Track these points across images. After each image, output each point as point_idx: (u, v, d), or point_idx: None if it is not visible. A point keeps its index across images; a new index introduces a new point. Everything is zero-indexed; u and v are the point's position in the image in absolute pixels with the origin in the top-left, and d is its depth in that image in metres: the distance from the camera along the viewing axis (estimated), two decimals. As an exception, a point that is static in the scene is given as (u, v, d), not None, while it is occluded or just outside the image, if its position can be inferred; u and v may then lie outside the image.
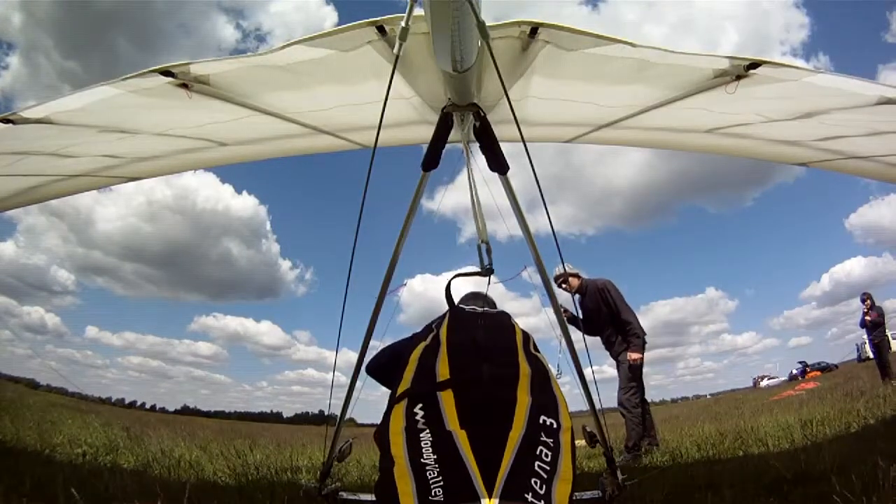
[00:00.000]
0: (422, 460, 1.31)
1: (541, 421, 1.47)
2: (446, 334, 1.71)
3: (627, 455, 4.68)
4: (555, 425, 1.48)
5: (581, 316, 5.22)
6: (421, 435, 1.38)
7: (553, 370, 1.78)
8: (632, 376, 4.89)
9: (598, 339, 5.26)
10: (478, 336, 1.73)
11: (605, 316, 5.12)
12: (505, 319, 1.92)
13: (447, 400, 1.46)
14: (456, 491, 1.24)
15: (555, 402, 1.58)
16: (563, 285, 5.24)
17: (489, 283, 2.28)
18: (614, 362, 5.25)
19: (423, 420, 1.42)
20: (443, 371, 1.55)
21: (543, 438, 1.43)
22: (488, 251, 2.25)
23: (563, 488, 1.33)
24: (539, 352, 1.80)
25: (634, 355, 4.87)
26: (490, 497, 1.23)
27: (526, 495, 1.25)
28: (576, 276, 5.31)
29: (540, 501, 1.26)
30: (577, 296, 5.30)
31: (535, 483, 1.30)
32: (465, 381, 1.53)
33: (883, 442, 3.24)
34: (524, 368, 1.62)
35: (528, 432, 1.42)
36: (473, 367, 1.58)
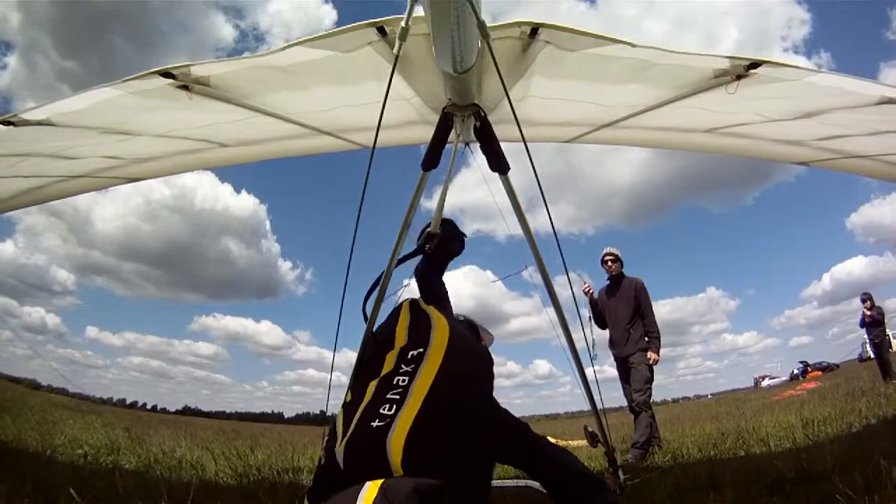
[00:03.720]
0: (324, 448, 1.50)
1: (408, 356, 1.61)
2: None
3: (636, 452, 4.70)
4: (421, 352, 1.61)
5: (601, 305, 5.44)
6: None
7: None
8: (649, 377, 4.97)
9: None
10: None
11: (629, 311, 5.19)
12: (395, 312, 2.05)
13: (347, 396, 1.67)
14: (329, 457, 1.40)
15: (427, 330, 1.74)
16: (611, 264, 5.42)
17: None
18: (614, 360, 5.29)
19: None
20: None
21: (403, 368, 1.56)
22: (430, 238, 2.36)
23: (418, 390, 1.44)
24: (437, 306, 1.99)
25: (656, 355, 5.00)
26: (341, 441, 1.38)
27: (372, 423, 1.37)
28: (622, 263, 5.47)
29: (385, 421, 1.36)
30: (607, 282, 5.50)
31: (384, 408, 1.41)
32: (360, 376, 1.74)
33: (885, 441, 3.23)
34: (402, 325, 1.82)
35: (391, 371, 1.57)
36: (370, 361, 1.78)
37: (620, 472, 2.35)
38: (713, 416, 9.85)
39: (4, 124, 2.05)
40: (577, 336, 2.44)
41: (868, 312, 10.19)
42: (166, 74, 1.84)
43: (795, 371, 31.14)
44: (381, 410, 1.41)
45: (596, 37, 1.68)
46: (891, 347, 11.53)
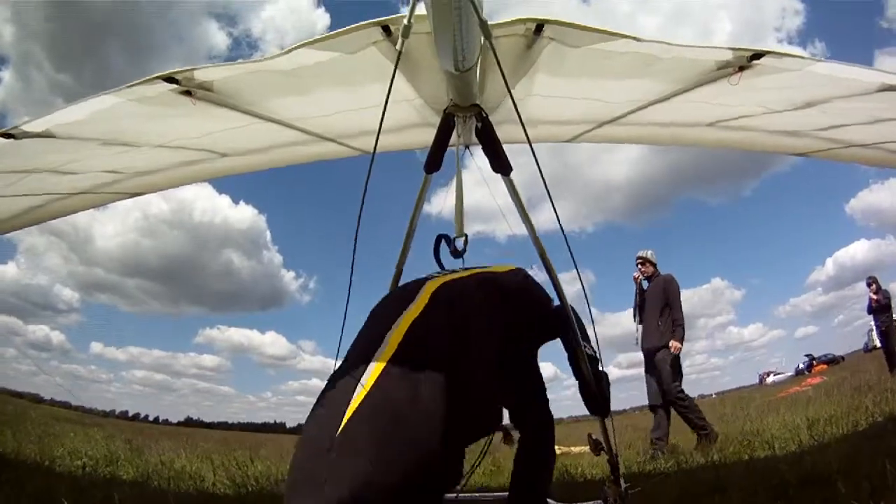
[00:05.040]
0: None
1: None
2: None
3: (700, 441, 4.89)
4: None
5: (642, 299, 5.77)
6: None
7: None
8: (674, 373, 5.19)
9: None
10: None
11: (659, 306, 5.48)
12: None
13: None
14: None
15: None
16: (640, 266, 5.82)
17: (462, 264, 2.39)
18: (643, 356, 5.55)
19: None
20: None
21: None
22: (465, 242, 2.42)
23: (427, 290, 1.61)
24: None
25: (678, 343, 5.24)
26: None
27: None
28: (654, 265, 5.81)
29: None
30: (644, 282, 5.85)
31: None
32: None
33: (892, 439, 3.20)
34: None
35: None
36: None
37: (622, 481, 2.28)
38: (718, 417, 9.73)
39: (5, 137, 2.03)
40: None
41: (874, 297, 9.73)
42: (169, 79, 1.83)
43: (801, 365, 30.71)
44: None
45: (601, 32, 1.68)
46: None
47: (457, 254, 2.37)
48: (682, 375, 5.32)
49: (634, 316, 5.81)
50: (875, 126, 2.41)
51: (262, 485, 3.62)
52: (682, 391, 5.17)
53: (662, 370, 5.18)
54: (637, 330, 5.65)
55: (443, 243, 2.38)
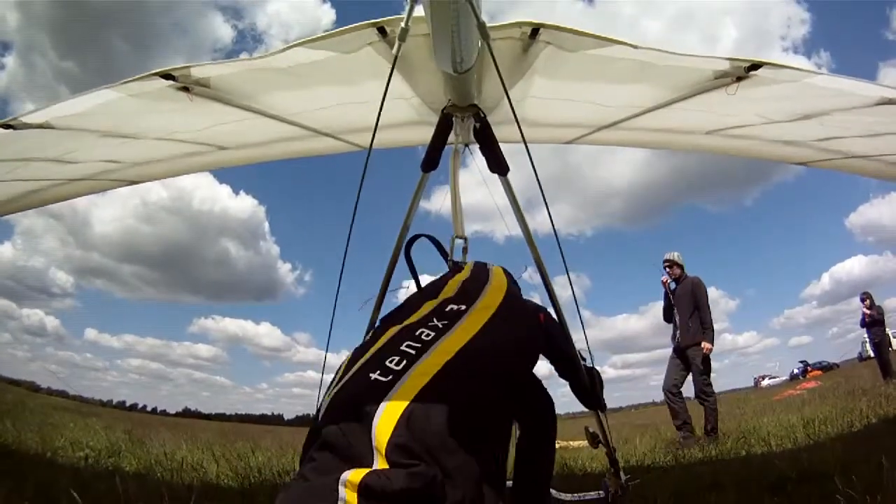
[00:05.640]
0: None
1: (447, 309, 1.42)
2: None
3: (708, 438, 5.13)
4: (462, 309, 1.40)
5: (671, 301, 5.97)
6: None
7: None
8: (703, 370, 5.47)
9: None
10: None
11: (689, 307, 5.69)
12: (457, 268, 1.89)
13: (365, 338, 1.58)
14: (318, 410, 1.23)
15: (481, 287, 1.55)
16: (667, 269, 6.04)
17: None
18: (672, 350, 5.82)
19: None
20: None
21: (434, 322, 1.34)
22: (464, 249, 2.13)
23: (441, 351, 1.21)
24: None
25: (709, 345, 5.50)
26: (332, 388, 1.22)
27: (371, 374, 1.16)
28: (681, 267, 6.03)
29: (387, 377, 1.14)
30: (672, 284, 6.06)
31: (392, 361, 1.19)
32: None
33: (886, 440, 3.24)
34: (457, 279, 1.66)
35: (419, 321, 1.37)
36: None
37: (622, 473, 2.35)
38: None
39: (4, 128, 2.04)
40: (577, 336, 2.43)
41: (868, 312, 10.24)
42: (167, 76, 1.83)
43: (795, 371, 31.11)
44: (386, 362, 1.18)
45: (597, 38, 1.67)
46: (891, 346, 11.56)
47: (455, 269, 1.90)
48: (710, 370, 5.61)
49: (665, 317, 6.05)
50: (874, 138, 2.42)
51: (265, 476, 3.65)
52: (709, 385, 5.48)
53: (694, 365, 5.49)
54: (675, 332, 5.85)
55: (422, 242, 2.06)
